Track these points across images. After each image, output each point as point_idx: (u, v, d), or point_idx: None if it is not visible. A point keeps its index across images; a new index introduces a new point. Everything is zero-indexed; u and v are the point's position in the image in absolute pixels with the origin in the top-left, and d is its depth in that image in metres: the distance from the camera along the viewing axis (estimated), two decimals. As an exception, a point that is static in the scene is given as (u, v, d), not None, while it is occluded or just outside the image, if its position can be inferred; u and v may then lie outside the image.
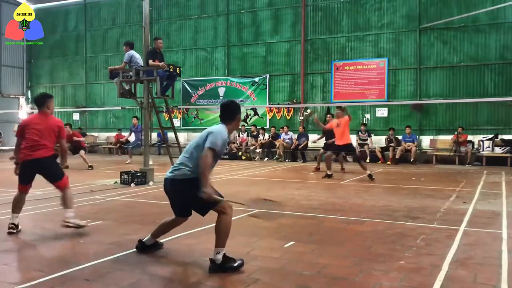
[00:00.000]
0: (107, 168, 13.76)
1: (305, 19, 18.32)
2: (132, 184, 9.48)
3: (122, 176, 9.76)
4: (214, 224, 4.01)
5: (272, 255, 4.38)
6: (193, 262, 4.13)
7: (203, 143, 3.92)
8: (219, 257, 3.86)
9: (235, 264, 3.90)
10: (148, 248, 4.44)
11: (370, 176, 10.51)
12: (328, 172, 11.19)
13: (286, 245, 4.73)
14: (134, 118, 16.63)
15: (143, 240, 4.44)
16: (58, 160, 5.76)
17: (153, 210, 6.84)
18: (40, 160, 5.44)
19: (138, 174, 9.76)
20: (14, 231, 5.24)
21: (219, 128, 4.07)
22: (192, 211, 4.26)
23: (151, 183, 9.74)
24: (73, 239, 5.02)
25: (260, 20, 19.32)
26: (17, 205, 5.49)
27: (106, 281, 3.65)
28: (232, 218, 6.13)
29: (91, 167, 13.17)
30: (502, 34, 15.65)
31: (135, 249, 4.51)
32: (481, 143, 15.43)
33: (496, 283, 3.63)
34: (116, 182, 9.83)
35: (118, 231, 5.37)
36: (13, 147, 6.11)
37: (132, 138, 16.94)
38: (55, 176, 5.53)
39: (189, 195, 3.97)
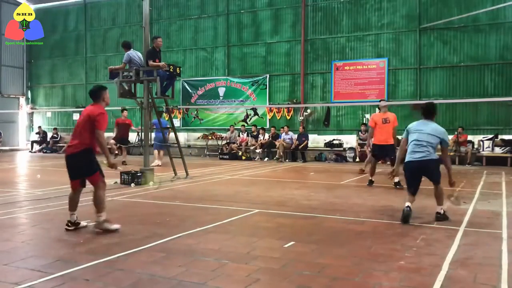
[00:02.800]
0: (107, 168, 13.73)
1: (305, 19, 18.32)
2: (132, 184, 9.48)
3: (122, 176, 9.76)
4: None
5: (272, 255, 4.38)
6: (193, 262, 4.13)
7: None
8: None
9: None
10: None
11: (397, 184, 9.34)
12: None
13: (286, 245, 4.72)
14: (125, 111, 15.99)
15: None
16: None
17: (153, 210, 6.84)
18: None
19: (138, 174, 9.76)
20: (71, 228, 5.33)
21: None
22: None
23: (151, 183, 9.74)
24: (73, 239, 5.02)
25: (260, 20, 19.32)
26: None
27: (106, 281, 3.65)
28: (232, 218, 6.15)
29: None
30: (502, 34, 15.65)
31: (135, 249, 4.52)
32: (481, 143, 15.44)
33: (496, 283, 3.62)
34: (116, 182, 9.83)
35: (118, 231, 5.36)
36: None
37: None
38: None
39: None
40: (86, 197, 7.99)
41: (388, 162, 10.47)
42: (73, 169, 5.34)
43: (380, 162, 10.40)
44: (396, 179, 9.28)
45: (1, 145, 18.25)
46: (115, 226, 5.30)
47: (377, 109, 10.88)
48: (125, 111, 15.78)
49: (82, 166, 5.29)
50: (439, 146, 6.23)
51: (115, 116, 22.20)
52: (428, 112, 6.48)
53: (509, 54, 15.59)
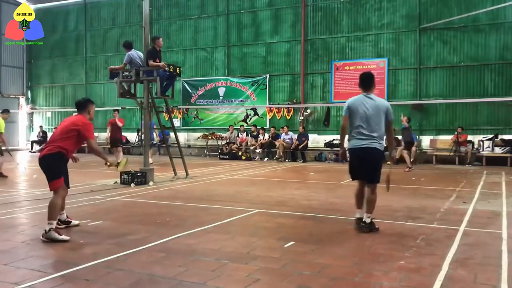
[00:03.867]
0: (107, 168, 13.73)
1: (305, 19, 18.32)
2: (132, 184, 9.48)
3: (122, 176, 9.77)
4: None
5: (272, 255, 4.38)
6: (193, 262, 4.13)
7: None
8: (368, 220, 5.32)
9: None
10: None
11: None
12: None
13: (286, 245, 4.72)
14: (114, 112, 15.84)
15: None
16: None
17: (153, 210, 6.84)
18: None
19: (138, 174, 9.76)
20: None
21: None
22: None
23: (151, 183, 9.74)
24: (73, 239, 5.02)
25: (260, 20, 19.32)
26: None
27: (106, 281, 3.65)
28: (232, 218, 6.15)
29: None
30: (502, 34, 15.65)
31: (135, 249, 4.52)
32: (481, 143, 15.44)
33: (496, 283, 3.62)
34: (116, 182, 9.84)
35: (118, 231, 5.37)
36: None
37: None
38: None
39: None
40: (85, 197, 8.00)
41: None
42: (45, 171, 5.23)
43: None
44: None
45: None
46: (64, 237, 4.90)
47: None
48: (115, 112, 15.63)
49: (50, 168, 5.15)
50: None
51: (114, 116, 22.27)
52: (366, 83, 5.48)
53: (509, 54, 15.58)
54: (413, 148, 15.35)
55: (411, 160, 14.06)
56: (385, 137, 5.51)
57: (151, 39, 10.57)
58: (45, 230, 4.91)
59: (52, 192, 5.15)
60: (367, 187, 5.45)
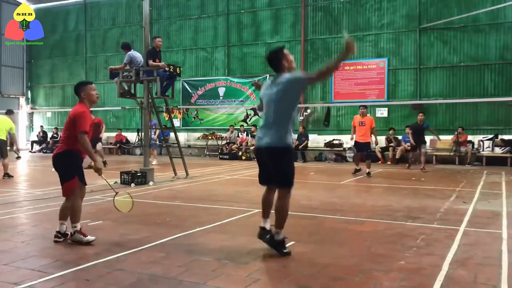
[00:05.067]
0: (107, 168, 13.75)
1: (305, 19, 18.32)
2: (132, 184, 9.48)
3: (122, 176, 9.76)
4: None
5: (272, 255, 4.38)
6: (193, 262, 4.13)
7: None
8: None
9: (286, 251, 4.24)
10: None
11: (368, 174, 11.43)
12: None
13: (286, 245, 4.72)
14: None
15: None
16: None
17: (153, 210, 6.84)
18: None
19: (138, 174, 9.76)
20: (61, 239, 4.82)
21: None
22: None
23: (151, 183, 9.74)
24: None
25: (260, 20, 19.32)
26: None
27: (106, 281, 3.65)
28: (232, 218, 6.15)
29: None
30: (502, 34, 15.65)
31: (135, 249, 4.52)
32: (481, 143, 15.44)
33: (496, 283, 3.62)
34: (116, 182, 9.83)
35: (118, 231, 5.37)
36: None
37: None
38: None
39: None
40: (85, 197, 7.99)
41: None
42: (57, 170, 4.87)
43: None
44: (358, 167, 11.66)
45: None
46: (89, 238, 4.79)
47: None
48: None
49: (60, 169, 4.81)
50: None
51: (115, 116, 22.29)
52: (272, 62, 4.50)
53: (509, 54, 15.59)
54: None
55: (411, 159, 14.09)
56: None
57: (151, 39, 10.58)
58: (70, 233, 4.80)
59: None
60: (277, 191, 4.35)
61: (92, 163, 4.77)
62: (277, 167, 4.23)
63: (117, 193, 5.29)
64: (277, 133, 4.17)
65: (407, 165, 13.91)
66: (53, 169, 4.88)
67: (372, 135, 11.89)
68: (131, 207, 5.21)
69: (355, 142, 11.93)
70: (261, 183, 4.56)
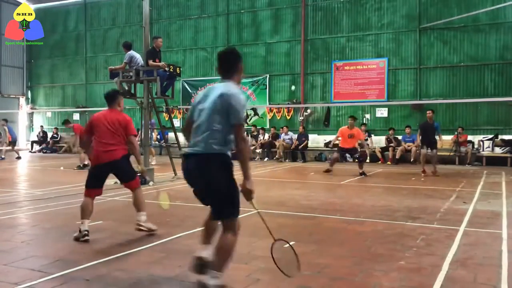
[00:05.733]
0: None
1: (305, 19, 18.31)
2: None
3: (122, 176, 9.74)
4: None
5: (272, 255, 4.38)
6: (193, 262, 4.13)
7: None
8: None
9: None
10: None
11: (363, 173, 11.49)
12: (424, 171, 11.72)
13: (286, 245, 4.72)
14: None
15: None
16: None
17: (153, 210, 6.83)
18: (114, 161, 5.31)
19: (138, 174, 9.73)
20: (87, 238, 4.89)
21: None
22: None
23: (151, 183, 9.74)
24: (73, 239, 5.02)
25: (260, 20, 19.31)
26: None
27: (106, 281, 3.65)
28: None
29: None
30: (502, 34, 15.64)
31: (135, 249, 4.52)
32: (481, 143, 15.43)
33: (496, 283, 3.62)
34: (116, 182, 9.76)
35: (118, 231, 5.37)
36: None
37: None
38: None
39: None
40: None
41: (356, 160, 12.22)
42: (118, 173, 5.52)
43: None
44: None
45: (0, 145, 18.25)
46: (155, 226, 5.29)
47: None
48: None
49: (126, 168, 5.42)
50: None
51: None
52: (222, 66, 3.63)
53: (509, 54, 15.58)
54: (413, 148, 15.26)
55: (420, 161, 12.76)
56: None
57: (151, 39, 10.58)
58: (139, 220, 5.15)
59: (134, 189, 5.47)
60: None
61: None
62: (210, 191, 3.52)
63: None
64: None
65: (422, 170, 11.91)
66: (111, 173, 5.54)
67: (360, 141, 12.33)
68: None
69: (340, 147, 12.13)
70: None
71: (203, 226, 3.70)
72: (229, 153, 3.59)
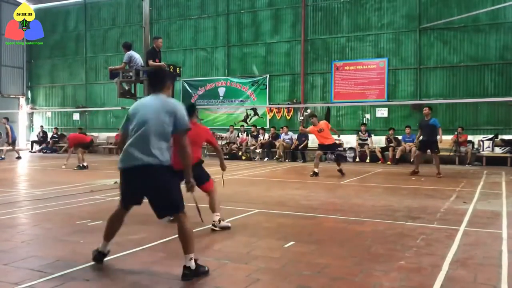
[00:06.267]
0: (107, 168, 13.76)
1: (305, 19, 18.32)
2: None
3: (122, 176, 9.74)
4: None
5: (272, 255, 4.38)
6: (193, 262, 4.12)
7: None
8: (193, 263, 3.74)
9: (206, 269, 3.80)
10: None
11: (340, 171, 11.39)
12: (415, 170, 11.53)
13: (286, 245, 4.72)
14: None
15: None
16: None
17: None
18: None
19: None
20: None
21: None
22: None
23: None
24: (73, 239, 5.02)
25: (260, 20, 19.32)
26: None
27: (106, 281, 3.65)
28: (232, 218, 6.15)
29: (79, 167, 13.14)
30: (502, 34, 15.65)
31: (135, 249, 4.51)
32: (481, 143, 15.43)
33: (496, 283, 3.62)
34: (116, 182, 9.81)
35: (118, 231, 5.36)
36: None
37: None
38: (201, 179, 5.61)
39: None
40: (85, 197, 8.00)
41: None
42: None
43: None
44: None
45: (1, 145, 18.27)
46: (228, 223, 5.60)
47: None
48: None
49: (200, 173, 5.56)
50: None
51: (115, 116, 22.29)
52: (153, 81, 4.06)
53: (509, 54, 15.58)
54: (413, 148, 15.10)
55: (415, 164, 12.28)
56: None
57: (151, 39, 10.58)
58: (214, 221, 5.49)
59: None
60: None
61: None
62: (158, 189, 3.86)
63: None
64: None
65: (412, 171, 11.80)
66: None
67: (333, 133, 12.17)
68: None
69: (321, 145, 11.81)
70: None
71: (112, 224, 4.11)
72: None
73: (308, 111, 18.34)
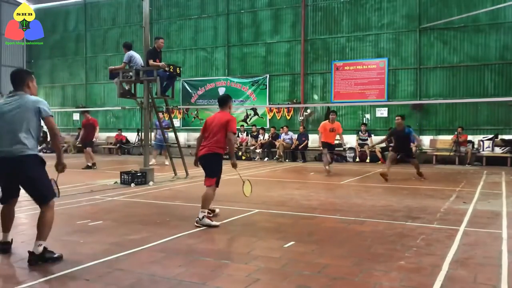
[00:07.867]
0: (107, 168, 13.76)
1: (305, 19, 18.32)
2: (132, 184, 9.48)
3: (122, 176, 9.76)
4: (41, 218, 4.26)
5: (272, 255, 4.38)
6: (193, 262, 4.13)
7: None
8: (40, 249, 4.05)
9: (55, 256, 4.13)
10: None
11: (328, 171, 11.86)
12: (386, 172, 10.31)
13: (286, 245, 4.72)
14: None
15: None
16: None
17: (153, 210, 6.84)
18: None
19: (138, 174, 9.76)
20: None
21: None
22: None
23: (151, 183, 9.74)
24: (73, 239, 5.02)
25: (260, 20, 19.32)
26: None
27: (106, 281, 3.65)
28: (232, 218, 6.15)
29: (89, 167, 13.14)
30: (502, 34, 15.64)
31: (135, 249, 4.52)
32: (481, 143, 15.43)
33: (496, 283, 3.63)
34: (116, 182, 9.83)
35: (118, 231, 5.37)
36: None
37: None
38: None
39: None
40: (85, 197, 8.00)
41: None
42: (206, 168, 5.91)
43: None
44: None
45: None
46: (215, 223, 5.61)
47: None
48: (86, 113, 14.76)
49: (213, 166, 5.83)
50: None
51: (115, 116, 22.30)
52: (13, 80, 4.75)
53: (509, 54, 15.58)
54: (413, 148, 14.22)
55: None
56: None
57: (151, 39, 10.58)
58: (198, 217, 5.55)
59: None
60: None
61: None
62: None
63: (244, 182, 6.30)
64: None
65: (382, 172, 10.61)
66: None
67: (339, 136, 12.55)
68: (250, 190, 6.34)
69: (325, 143, 12.05)
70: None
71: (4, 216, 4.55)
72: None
73: (308, 111, 18.36)
